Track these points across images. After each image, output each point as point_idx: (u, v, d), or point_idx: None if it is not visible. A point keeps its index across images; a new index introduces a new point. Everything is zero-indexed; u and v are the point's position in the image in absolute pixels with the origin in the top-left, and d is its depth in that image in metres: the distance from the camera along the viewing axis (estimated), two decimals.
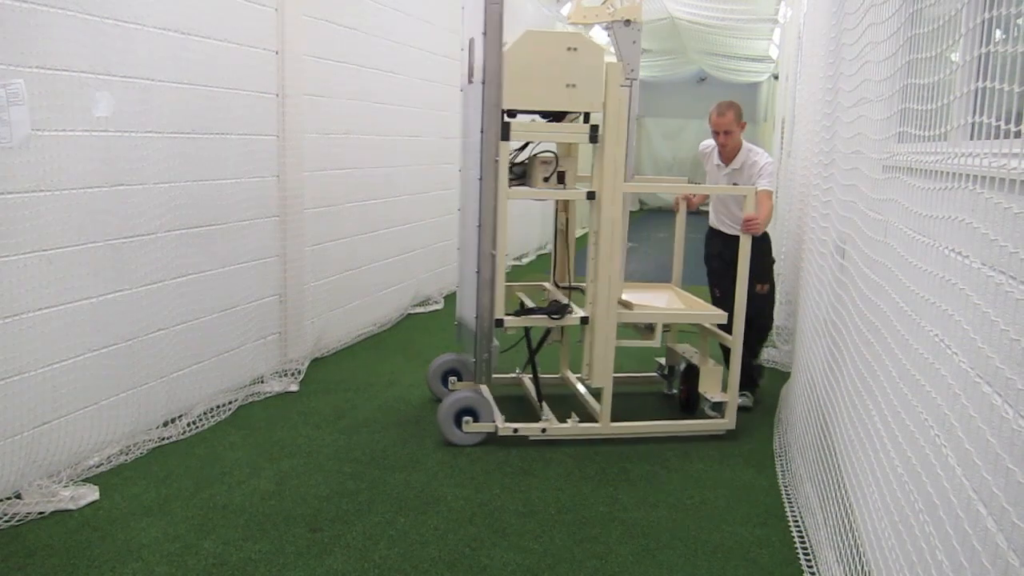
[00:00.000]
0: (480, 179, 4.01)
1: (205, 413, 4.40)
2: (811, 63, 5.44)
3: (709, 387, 4.43)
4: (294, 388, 5.01)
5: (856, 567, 2.45)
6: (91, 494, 3.46)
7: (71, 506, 3.38)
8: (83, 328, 3.70)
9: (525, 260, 10.66)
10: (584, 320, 4.26)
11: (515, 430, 4.16)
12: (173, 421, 4.26)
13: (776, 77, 11.49)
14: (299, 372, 5.20)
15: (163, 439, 4.09)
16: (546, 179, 4.15)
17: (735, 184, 4.83)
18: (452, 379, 4.90)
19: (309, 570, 2.98)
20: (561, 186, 4.23)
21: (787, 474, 3.89)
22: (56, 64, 3.43)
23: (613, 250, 4.20)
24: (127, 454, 3.88)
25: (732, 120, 4.85)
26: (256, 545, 3.14)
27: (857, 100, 3.15)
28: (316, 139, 5.41)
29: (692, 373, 4.65)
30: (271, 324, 5.12)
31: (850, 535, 2.59)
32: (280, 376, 5.13)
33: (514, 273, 10.14)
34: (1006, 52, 1.55)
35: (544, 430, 4.18)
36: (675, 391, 4.98)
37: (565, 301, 4.40)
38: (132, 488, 3.58)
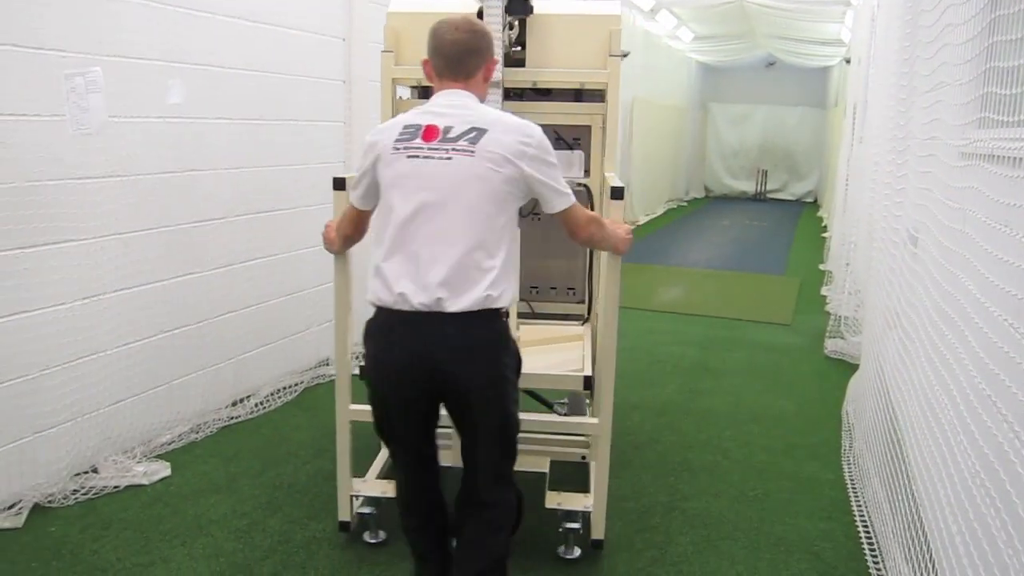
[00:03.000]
0: None
1: (272, 394, 4.49)
2: (885, 46, 5.28)
3: None
4: (357, 371, 5.06)
5: (925, 565, 2.39)
6: (163, 470, 3.57)
7: (144, 481, 3.49)
8: (156, 309, 3.81)
9: None
10: None
11: None
12: (241, 401, 4.36)
13: (848, 61, 11.19)
14: (362, 355, 5.26)
15: (231, 419, 4.19)
16: None
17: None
18: None
19: (370, 548, 3.02)
20: None
21: (853, 468, 3.81)
22: (131, 52, 3.52)
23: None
24: (197, 432, 3.99)
25: None
26: (320, 524, 3.20)
27: (934, 84, 3.05)
28: None
29: None
30: None
31: (919, 532, 2.53)
32: None
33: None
34: None
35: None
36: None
37: None
38: (202, 466, 3.68)
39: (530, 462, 3.21)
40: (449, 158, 2.20)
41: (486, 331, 2.26)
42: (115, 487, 3.43)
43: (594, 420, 3.03)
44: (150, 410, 3.82)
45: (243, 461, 3.75)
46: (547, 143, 2.30)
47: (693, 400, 4.76)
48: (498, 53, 2.97)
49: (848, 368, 5.33)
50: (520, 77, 3.23)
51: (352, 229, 2.60)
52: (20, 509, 3.19)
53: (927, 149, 3.13)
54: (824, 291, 7.88)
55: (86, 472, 3.51)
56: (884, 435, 3.30)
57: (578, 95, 3.39)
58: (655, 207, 14.50)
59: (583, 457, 3.52)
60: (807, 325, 6.65)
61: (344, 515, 3.10)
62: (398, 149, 2.26)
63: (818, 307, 7.29)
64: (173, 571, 2.87)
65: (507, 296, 2.27)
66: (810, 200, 17.87)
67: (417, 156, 2.23)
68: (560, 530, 3.00)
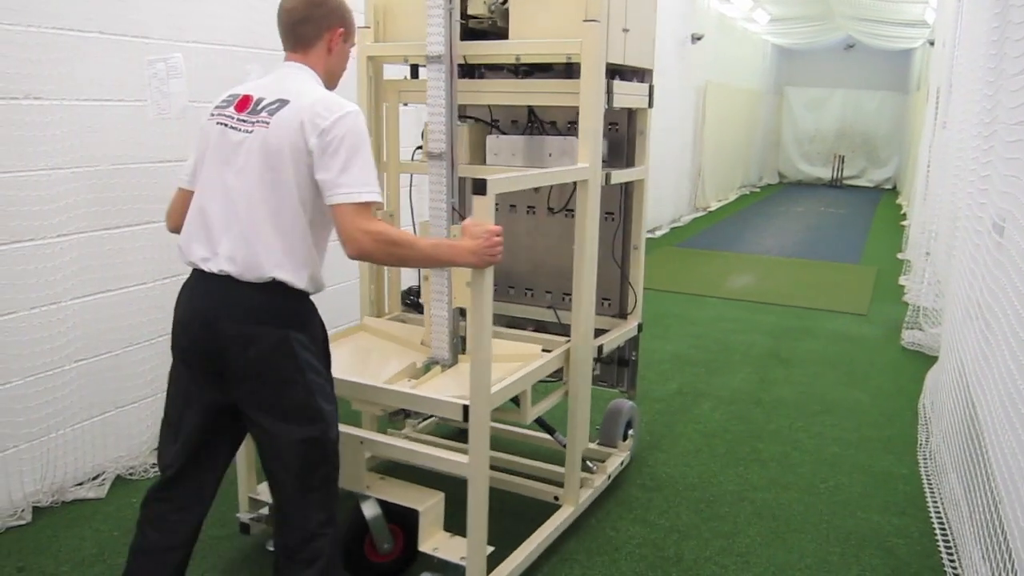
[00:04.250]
0: None
1: None
2: (972, 28, 5.08)
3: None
4: None
5: (1005, 564, 2.31)
6: None
7: None
8: None
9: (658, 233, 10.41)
10: None
11: None
12: None
13: (932, 43, 10.81)
14: None
15: None
16: None
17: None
18: None
19: None
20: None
21: (930, 462, 3.71)
22: (211, 39, 3.61)
23: None
24: None
25: None
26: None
27: None
28: None
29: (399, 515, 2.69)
30: None
31: (998, 531, 2.45)
32: None
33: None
34: None
35: None
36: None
37: None
38: None
39: (407, 496, 2.65)
40: (250, 131, 2.08)
41: (273, 300, 2.09)
42: None
43: (462, 458, 2.47)
44: None
45: None
46: (354, 128, 2.05)
47: (764, 389, 4.69)
48: (438, 23, 2.67)
49: (926, 360, 5.18)
50: (479, 51, 2.90)
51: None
52: (103, 480, 3.33)
53: (1015, 135, 3.01)
54: (902, 280, 7.66)
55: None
56: (963, 430, 3.20)
57: (568, 71, 2.95)
58: (727, 193, 14.28)
59: (556, 498, 3.11)
60: (883, 315, 6.48)
61: (244, 516, 2.92)
62: (212, 115, 2.18)
63: (895, 297, 7.09)
64: (247, 545, 2.95)
65: (301, 279, 2.10)
66: (889, 187, 17.38)
67: (226, 124, 2.13)
68: None
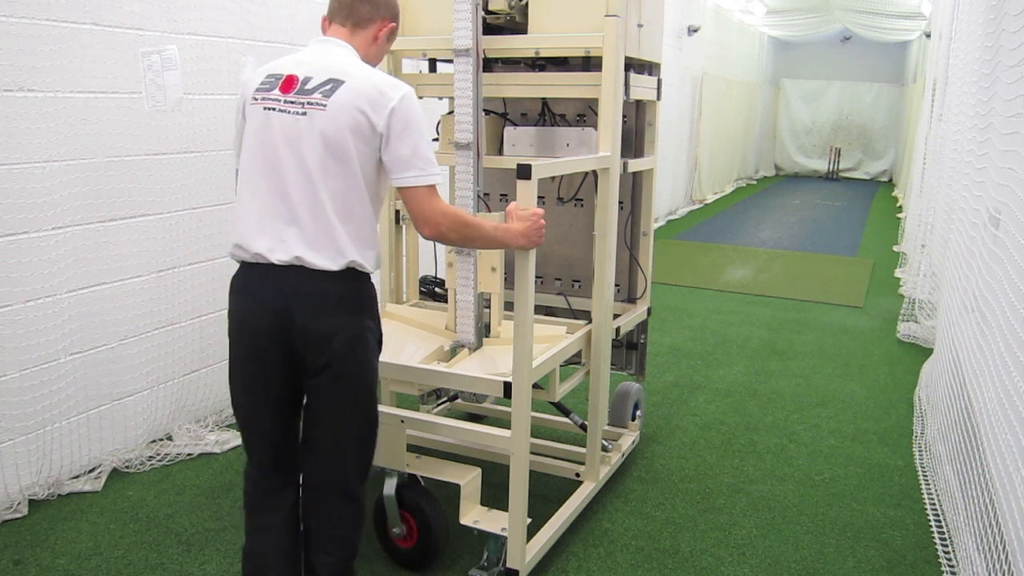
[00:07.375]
0: None
1: None
2: (969, 19, 5.08)
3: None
4: None
5: (998, 555, 2.32)
6: (234, 439, 3.67)
7: (216, 449, 3.60)
8: (228, 283, 3.89)
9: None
10: None
11: None
12: None
13: (928, 35, 10.80)
14: None
15: None
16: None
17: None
18: None
19: None
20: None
21: (925, 454, 3.72)
22: (206, 31, 3.59)
23: None
24: None
25: None
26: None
27: (1021, 59, 2.93)
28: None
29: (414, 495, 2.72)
30: None
31: (993, 522, 2.46)
32: None
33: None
34: None
35: None
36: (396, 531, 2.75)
37: None
38: None
39: (446, 472, 2.72)
40: (303, 113, 2.02)
41: (349, 287, 2.08)
42: (188, 454, 3.55)
43: (504, 433, 2.58)
44: (222, 381, 3.90)
45: None
46: (413, 107, 2.05)
47: (760, 382, 4.69)
48: (466, 18, 2.70)
49: (921, 352, 5.19)
50: (501, 45, 2.93)
51: None
52: (100, 473, 3.32)
53: (1011, 127, 3.01)
54: (898, 273, 7.68)
55: (161, 439, 3.64)
56: (958, 422, 3.21)
57: (582, 64, 2.99)
58: (723, 186, 14.28)
59: (577, 475, 3.20)
60: (879, 308, 6.49)
61: None
62: (256, 100, 2.10)
63: (891, 289, 7.10)
64: (243, 538, 2.95)
65: (369, 261, 2.09)
66: (885, 179, 17.39)
67: (273, 109, 2.06)
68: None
